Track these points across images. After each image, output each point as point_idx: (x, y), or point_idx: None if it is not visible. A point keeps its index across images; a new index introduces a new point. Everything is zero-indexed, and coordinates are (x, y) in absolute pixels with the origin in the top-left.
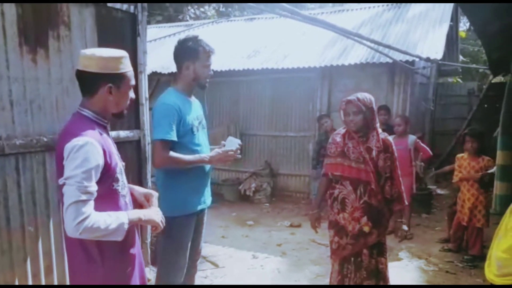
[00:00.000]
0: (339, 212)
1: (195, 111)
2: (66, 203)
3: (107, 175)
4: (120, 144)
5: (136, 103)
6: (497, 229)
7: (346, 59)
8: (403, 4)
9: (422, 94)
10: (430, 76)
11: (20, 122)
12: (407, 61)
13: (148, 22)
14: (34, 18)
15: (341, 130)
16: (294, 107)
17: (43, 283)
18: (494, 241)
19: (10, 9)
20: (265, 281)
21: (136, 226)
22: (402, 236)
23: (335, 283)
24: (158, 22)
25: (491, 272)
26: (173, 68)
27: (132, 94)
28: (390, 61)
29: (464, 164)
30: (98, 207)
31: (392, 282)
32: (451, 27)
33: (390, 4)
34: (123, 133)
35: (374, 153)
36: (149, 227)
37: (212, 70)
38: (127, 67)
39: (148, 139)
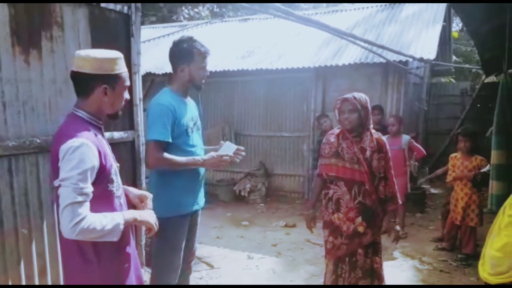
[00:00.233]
0: (334, 212)
1: (190, 112)
2: (62, 205)
3: (102, 176)
4: (114, 145)
5: (130, 103)
6: (490, 228)
7: (340, 60)
8: (397, 4)
9: (416, 94)
10: (423, 76)
11: (13, 124)
12: (400, 61)
13: (142, 23)
14: (27, 18)
15: (335, 130)
16: (289, 107)
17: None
18: (488, 240)
19: (2, 10)
20: (260, 282)
21: (131, 226)
22: (396, 237)
23: (330, 283)
24: (152, 22)
25: (485, 270)
26: (167, 68)
27: (126, 95)
28: (384, 61)
29: (457, 163)
30: (93, 208)
31: (387, 281)
32: (444, 28)
33: (383, 4)
34: (117, 134)
35: (368, 153)
36: (143, 229)
37: (206, 70)
38: (122, 68)
39: (142, 139)
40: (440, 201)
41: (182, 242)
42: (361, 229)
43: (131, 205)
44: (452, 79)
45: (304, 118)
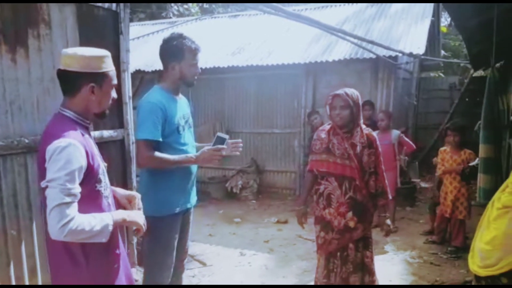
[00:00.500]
0: (325, 207)
1: (182, 110)
2: (49, 206)
3: (89, 176)
4: (104, 143)
5: (119, 102)
6: (480, 221)
7: (330, 55)
8: None
9: (405, 89)
10: (412, 71)
11: (0, 124)
12: (390, 57)
13: (131, 20)
14: (13, 16)
15: (326, 126)
16: (279, 103)
17: None
18: (477, 233)
19: None
20: (253, 278)
21: (120, 227)
22: (387, 231)
23: (322, 278)
24: (141, 19)
25: (474, 263)
26: (157, 65)
27: (114, 94)
28: (374, 56)
29: (447, 157)
30: (81, 209)
31: (378, 275)
32: (432, 22)
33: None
34: (106, 133)
35: (358, 148)
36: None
37: (198, 67)
38: (109, 66)
39: (132, 138)
40: (430, 195)
41: (174, 241)
42: (352, 224)
43: (120, 206)
44: (441, 74)
45: (295, 115)
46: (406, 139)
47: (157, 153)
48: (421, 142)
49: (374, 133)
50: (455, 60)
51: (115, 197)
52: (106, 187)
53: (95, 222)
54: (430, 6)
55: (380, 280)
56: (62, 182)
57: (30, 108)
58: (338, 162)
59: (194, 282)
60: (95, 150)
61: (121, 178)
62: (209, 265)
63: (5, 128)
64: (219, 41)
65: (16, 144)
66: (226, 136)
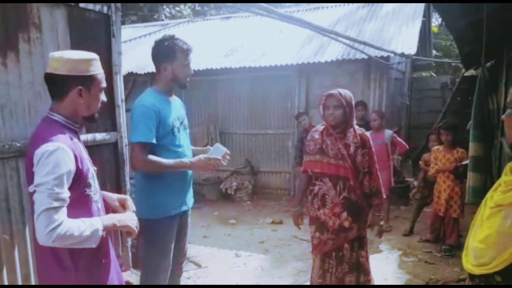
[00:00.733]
0: (320, 208)
1: (176, 111)
2: (37, 211)
3: (79, 181)
4: (97, 146)
5: (112, 105)
6: (473, 220)
7: (322, 56)
8: None
9: (398, 89)
10: (404, 71)
11: None
12: (382, 57)
13: (123, 22)
14: (3, 20)
15: (319, 127)
16: (273, 105)
17: None
18: (470, 232)
19: None
20: (248, 279)
21: (114, 231)
22: (379, 231)
23: (317, 278)
24: (133, 22)
25: (468, 262)
26: (149, 68)
27: (103, 97)
28: (366, 57)
29: (440, 156)
30: (70, 213)
31: (373, 274)
32: (423, 23)
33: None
34: (99, 136)
35: (352, 149)
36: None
37: (190, 69)
38: (97, 69)
39: (125, 141)
40: (417, 195)
41: (170, 243)
42: (346, 224)
43: (110, 210)
44: (433, 73)
45: (288, 115)
46: (399, 139)
47: (152, 157)
48: (414, 141)
49: (367, 133)
50: (447, 60)
51: (105, 202)
52: (95, 192)
53: (85, 227)
54: (421, 7)
55: (375, 279)
56: (50, 186)
57: (22, 112)
58: (332, 163)
59: (189, 283)
60: (85, 154)
61: (114, 181)
62: (204, 266)
63: None
64: (212, 43)
65: (8, 148)
66: (225, 149)
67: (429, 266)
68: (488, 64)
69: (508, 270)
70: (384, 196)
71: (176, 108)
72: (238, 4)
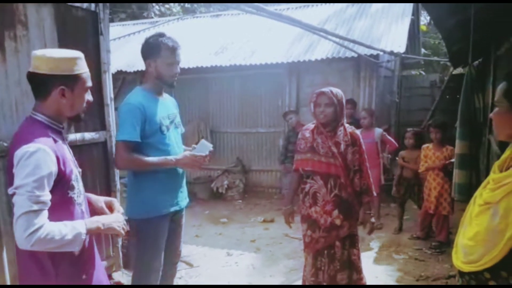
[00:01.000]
0: (311, 206)
1: (166, 110)
2: (16, 214)
3: (61, 183)
4: (86, 146)
5: (101, 103)
6: (462, 218)
7: (312, 55)
8: None
9: (387, 87)
10: (394, 69)
11: None
12: (371, 55)
13: (112, 20)
14: None
15: (310, 125)
16: (264, 103)
17: None
18: (460, 229)
19: None
20: (240, 278)
21: (98, 236)
22: (371, 229)
23: (310, 276)
24: (122, 19)
25: (458, 259)
26: (138, 66)
27: (89, 97)
28: (355, 55)
29: (429, 154)
30: (52, 216)
31: (364, 272)
32: (412, 21)
33: None
34: (88, 135)
35: (342, 147)
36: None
37: (180, 67)
38: (81, 69)
39: (114, 140)
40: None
41: (161, 243)
42: (338, 221)
43: (95, 213)
44: (422, 72)
45: (279, 114)
46: (389, 137)
47: (135, 155)
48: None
49: (358, 131)
50: (435, 58)
51: (90, 204)
52: (79, 194)
53: (66, 231)
54: (409, 5)
55: (367, 276)
56: (29, 189)
57: (9, 111)
58: (322, 161)
59: (181, 283)
60: (68, 155)
61: (104, 180)
62: (195, 266)
63: None
64: (202, 41)
65: None
66: (210, 146)
67: (420, 263)
68: (476, 62)
69: (497, 267)
70: (375, 194)
71: (166, 107)
72: (228, 2)
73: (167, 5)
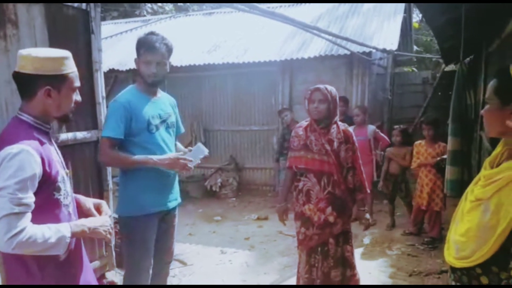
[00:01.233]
0: (305, 203)
1: (156, 109)
2: None
3: (46, 184)
4: (78, 145)
5: (92, 102)
6: (454, 214)
7: (305, 52)
8: None
9: (380, 84)
10: (386, 67)
11: None
12: (364, 53)
13: (104, 18)
14: None
15: (303, 123)
16: (257, 101)
17: None
18: (452, 225)
19: None
20: (234, 276)
21: (86, 240)
22: (366, 224)
23: (304, 273)
24: (114, 18)
25: (450, 255)
26: (130, 64)
27: (77, 97)
28: (348, 53)
29: (422, 150)
30: (38, 219)
31: (358, 268)
32: (404, 19)
33: None
34: (80, 134)
35: (335, 144)
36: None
37: (171, 66)
38: (68, 68)
39: None
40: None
41: (149, 242)
42: (331, 218)
43: (83, 215)
44: (414, 68)
45: (273, 111)
46: (382, 134)
47: (116, 152)
48: None
49: (350, 129)
50: (428, 55)
51: (79, 206)
52: (66, 196)
53: (50, 234)
54: (401, 4)
55: (360, 273)
56: (11, 191)
57: None
58: (316, 158)
59: (174, 282)
60: (54, 156)
61: (96, 179)
62: (189, 264)
63: None
64: (194, 39)
65: None
66: (205, 151)
67: (412, 259)
68: (467, 59)
69: (488, 262)
70: (368, 191)
71: (158, 106)
72: (220, 2)
73: (159, 3)
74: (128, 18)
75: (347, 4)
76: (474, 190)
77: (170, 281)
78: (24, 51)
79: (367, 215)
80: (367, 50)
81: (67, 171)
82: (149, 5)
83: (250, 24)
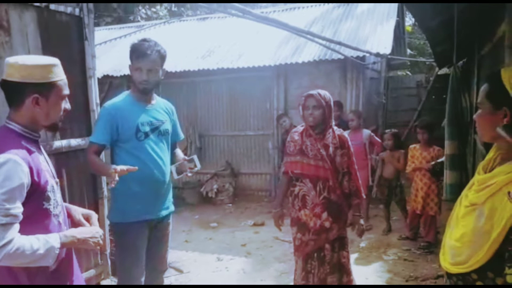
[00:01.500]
0: (300, 209)
1: (148, 116)
2: None
3: (35, 194)
4: (72, 152)
5: (86, 109)
6: (449, 219)
7: (299, 57)
8: None
9: (374, 88)
10: (380, 71)
11: None
12: (358, 57)
13: (98, 24)
14: None
15: (299, 128)
16: (252, 106)
17: None
18: (447, 230)
19: None
20: (231, 283)
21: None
22: (360, 231)
23: (300, 280)
24: (108, 23)
25: (445, 260)
26: (125, 70)
27: (66, 105)
28: (342, 57)
29: (416, 154)
30: (27, 229)
31: (354, 273)
32: (398, 22)
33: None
34: (74, 142)
35: (331, 149)
36: (107, 237)
37: (165, 72)
38: (57, 76)
39: None
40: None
41: (139, 250)
42: (327, 224)
43: (75, 224)
44: (408, 72)
45: (268, 116)
46: (377, 138)
47: (96, 158)
48: None
49: (346, 133)
50: (421, 59)
51: (70, 215)
52: (56, 205)
53: (39, 245)
54: (394, 7)
55: (357, 278)
56: None
57: None
58: (311, 164)
59: None
60: (44, 166)
61: (91, 187)
62: (186, 272)
63: None
64: (189, 44)
65: None
66: (198, 166)
67: (409, 264)
68: (460, 62)
69: (483, 268)
70: (364, 196)
71: (150, 113)
72: (215, 5)
73: (153, 9)
74: (122, 24)
75: (340, 8)
76: (468, 195)
77: None
78: (11, 59)
79: (362, 221)
80: (360, 54)
81: (57, 180)
82: (143, 10)
83: (244, 29)
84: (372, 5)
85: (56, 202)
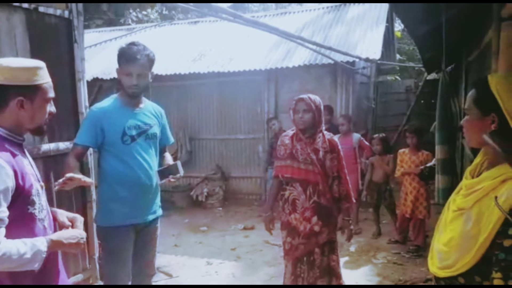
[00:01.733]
0: (291, 213)
1: (135, 120)
2: None
3: (20, 198)
4: (60, 156)
5: (75, 112)
6: (437, 223)
7: (290, 61)
8: (342, 5)
9: (364, 92)
10: (370, 75)
11: None
12: (348, 62)
13: (88, 27)
14: None
15: (289, 132)
16: (242, 109)
17: None
18: (435, 234)
19: None
20: None
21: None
22: (349, 235)
23: (289, 284)
24: (98, 26)
25: (433, 264)
26: (114, 73)
27: (51, 108)
28: (332, 62)
29: (405, 158)
30: (11, 233)
31: (344, 277)
32: (387, 28)
33: (330, 6)
34: (62, 145)
35: (321, 153)
36: (95, 241)
37: (156, 75)
38: (42, 79)
39: (90, 149)
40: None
41: (125, 253)
42: (317, 228)
43: (61, 228)
44: (397, 77)
45: (258, 120)
46: (366, 142)
47: (71, 158)
48: None
49: (336, 137)
50: (410, 64)
51: (55, 220)
52: (41, 209)
53: (25, 249)
54: (384, 13)
55: (346, 282)
56: None
57: None
58: (301, 168)
59: None
60: (28, 169)
61: (79, 191)
62: (175, 276)
63: None
64: (179, 48)
65: None
66: (181, 172)
67: (398, 267)
68: (449, 68)
69: (470, 272)
70: (354, 201)
71: (138, 117)
72: (206, 8)
73: (144, 12)
74: (112, 26)
75: (331, 13)
76: (456, 200)
77: None
78: None
79: (351, 226)
80: (350, 59)
81: (42, 184)
82: (134, 13)
83: (235, 33)
84: (362, 11)
85: (41, 206)
